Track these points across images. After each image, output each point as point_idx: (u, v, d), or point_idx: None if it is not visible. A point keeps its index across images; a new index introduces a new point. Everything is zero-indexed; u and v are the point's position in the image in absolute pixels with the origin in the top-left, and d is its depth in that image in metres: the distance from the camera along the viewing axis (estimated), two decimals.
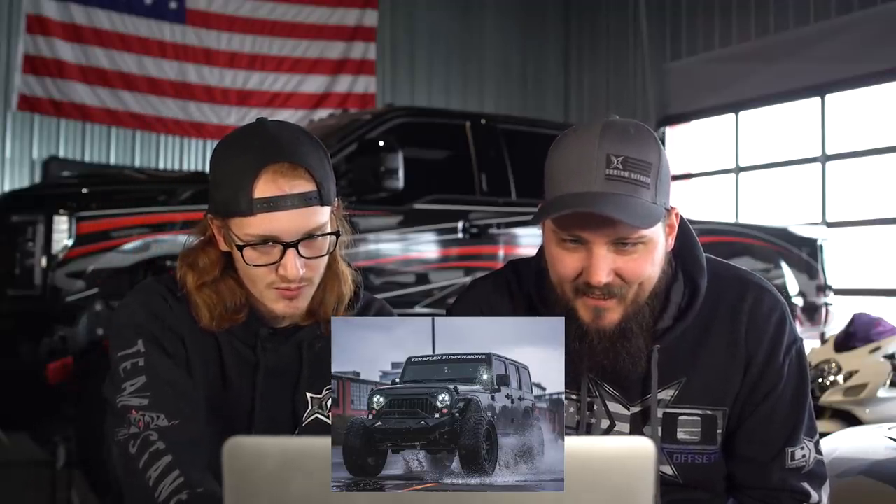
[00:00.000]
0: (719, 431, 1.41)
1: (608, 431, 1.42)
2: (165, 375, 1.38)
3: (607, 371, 1.38)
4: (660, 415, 1.40)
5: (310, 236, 1.35)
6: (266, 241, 1.33)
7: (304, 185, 1.34)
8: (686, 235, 1.44)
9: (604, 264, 1.28)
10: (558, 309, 1.35)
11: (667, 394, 1.40)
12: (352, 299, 1.50)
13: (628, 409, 1.42)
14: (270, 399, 1.46)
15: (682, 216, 1.42)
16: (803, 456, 1.41)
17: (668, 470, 1.41)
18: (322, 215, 1.37)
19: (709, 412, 1.40)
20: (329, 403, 1.48)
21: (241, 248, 1.35)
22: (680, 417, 1.40)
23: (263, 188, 1.31)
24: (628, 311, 1.33)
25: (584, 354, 1.34)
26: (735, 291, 1.43)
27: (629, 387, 1.41)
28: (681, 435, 1.40)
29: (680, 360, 1.40)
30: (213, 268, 1.42)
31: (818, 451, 1.44)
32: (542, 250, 1.44)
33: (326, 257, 1.40)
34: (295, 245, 1.34)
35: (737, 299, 1.42)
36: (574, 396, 1.42)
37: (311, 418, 1.48)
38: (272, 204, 1.31)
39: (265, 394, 1.45)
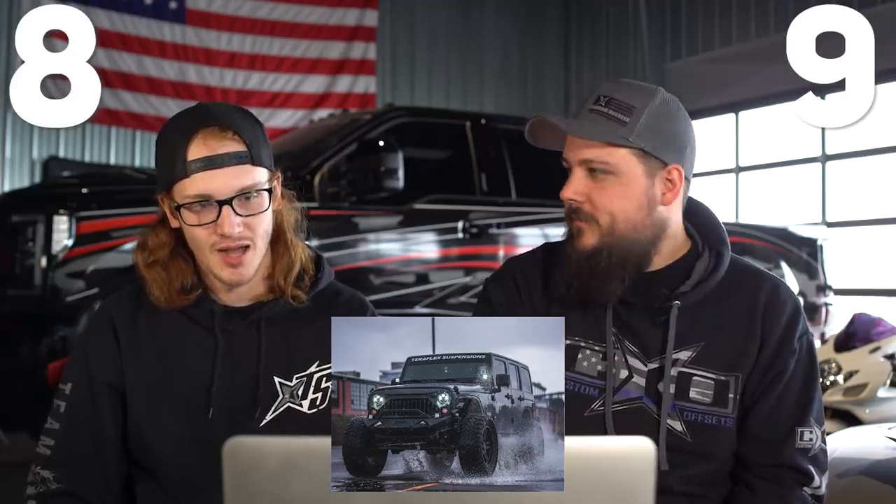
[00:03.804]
0: (731, 396, 1.48)
1: (625, 382, 1.50)
2: (78, 430, 1.49)
3: (630, 326, 1.50)
4: (675, 373, 1.48)
5: (244, 194, 1.42)
6: (202, 200, 1.41)
7: (234, 146, 1.42)
8: (709, 216, 1.59)
9: (574, 183, 1.46)
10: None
11: (684, 354, 1.48)
12: (312, 277, 1.56)
13: (646, 365, 1.50)
14: (229, 382, 1.49)
15: (698, 201, 1.57)
16: (811, 439, 1.48)
17: (678, 426, 1.47)
18: (254, 175, 1.44)
19: (722, 378, 1.48)
20: (301, 392, 1.51)
21: (179, 209, 1.43)
22: (694, 378, 1.48)
23: (195, 151, 1.41)
24: (604, 241, 1.46)
25: (566, 271, 1.48)
26: (754, 280, 1.54)
27: (649, 344, 1.50)
28: (693, 394, 1.48)
29: (700, 327, 1.49)
30: (163, 247, 1.50)
31: (824, 441, 1.51)
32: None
33: (264, 218, 1.46)
34: (229, 202, 1.41)
35: (756, 286, 1.53)
36: (597, 348, 1.51)
37: (283, 407, 1.50)
38: (205, 163, 1.40)
39: (224, 375, 1.49)
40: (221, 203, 1.41)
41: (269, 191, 1.47)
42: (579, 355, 1.51)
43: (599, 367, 1.50)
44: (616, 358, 1.50)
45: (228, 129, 1.43)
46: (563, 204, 1.52)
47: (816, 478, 1.47)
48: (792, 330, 1.49)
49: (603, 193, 1.44)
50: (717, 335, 1.49)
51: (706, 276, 1.50)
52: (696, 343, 1.48)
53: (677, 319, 1.48)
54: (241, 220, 1.42)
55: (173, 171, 1.42)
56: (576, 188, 1.45)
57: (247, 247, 1.45)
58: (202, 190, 1.41)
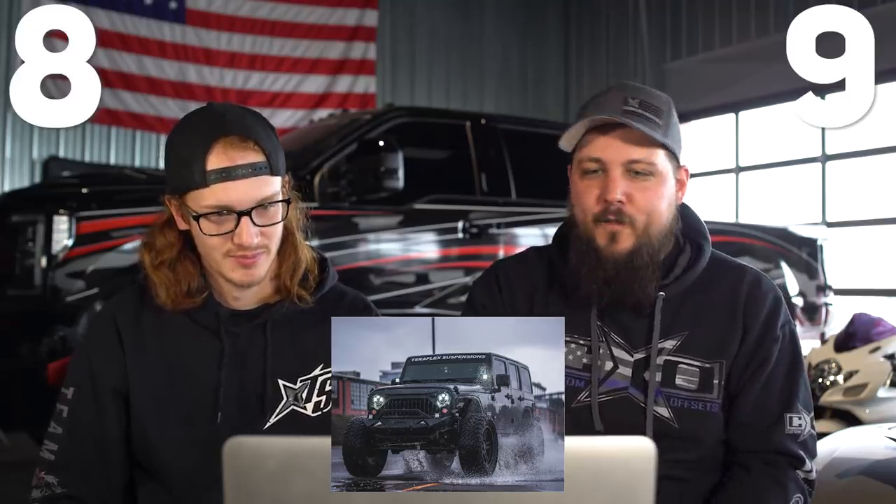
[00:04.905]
0: (716, 382, 1.51)
1: (611, 373, 1.53)
2: (81, 434, 1.48)
3: (614, 317, 1.53)
4: (661, 361, 1.51)
5: (262, 205, 1.41)
6: (221, 210, 1.40)
7: (254, 156, 1.41)
8: (690, 214, 1.63)
9: (619, 183, 1.46)
10: (579, 243, 1.51)
11: (669, 343, 1.52)
12: (316, 279, 1.55)
13: (632, 356, 1.53)
14: (236, 385, 1.48)
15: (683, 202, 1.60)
16: (800, 424, 1.51)
17: (665, 412, 1.50)
18: (272, 185, 1.43)
19: (707, 365, 1.52)
20: (305, 395, 1.51)
21: (197, 219, 1.41)
22: (679, 365, 1.52)
23: (215, 160, 1.39)
24: (640, 242, 1.48)
25: (599, 276, 1.49)
26: (736, 273, 1.58)
27: (634, 335, 1.53)
28: (679, 381, 1.51)
29: (683, 316, 1.53)
30: (171, 248, 1.48)
31: (812, 427, 1.53)
32: (558, 229, 1.63)
33: (280, 225, 1.46)
34: (248, 213, 1.40)
35: (737, 278, 1.57)
36: (582, 341, 1.53)
37: (287, 410, 1.50)
38: (225, 174, 1.38)
39: (230, 378, 1.48)
40: (240, 214, 1.40)
41: (287, 201, 1.46)
42: (565, 349, 1.52)
43: (585, 360, 1.53)
44: (601, 350, 1.53)
45: (249, 140, 1.41)
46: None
47: (808, 462, 1.50)
48: (774, 319, 1.53)
49: (645, 194, 1.47)
50: (701, 324, 1.52)
51: (688, 267, 1.55)
52: (680, 332, 1.52)
53: (661, 310, 1.51)
54: (258, 229, 1.41)
55: (190, 179, 1.39)
56: (622, 189, 1.46)
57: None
58: (222, 201, 1.39)
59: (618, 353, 1.53)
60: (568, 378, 1.51)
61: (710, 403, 1.50)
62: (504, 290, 1.61)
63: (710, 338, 1.52)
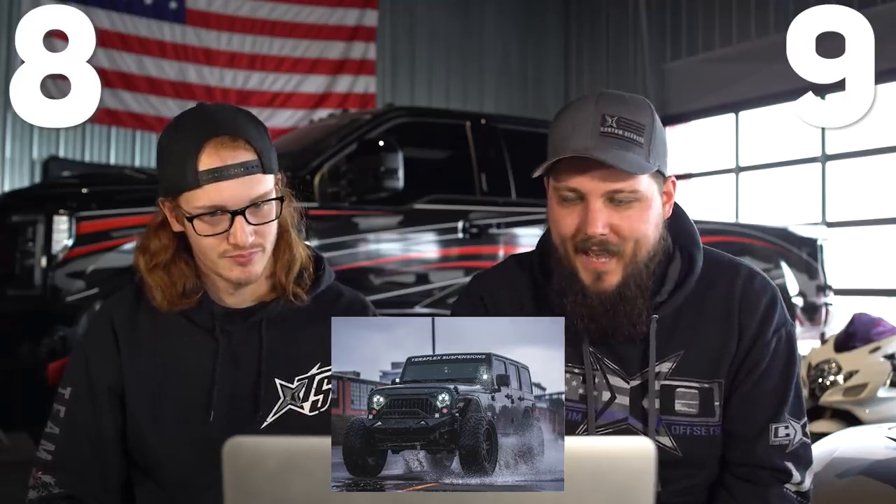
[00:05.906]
0: (716, 404, 1.44)
1: (609, 404, 1.45)
2: (78, 434, 1.49)
3: (607, 343, 1.44)
4: (657, 387, 1.44)
5: (255, 204, 1.42)
6: (214, 211, 1.40)
7: (245, 155, 1.41)
8: (680, 216, 1.52)
9: (599, 216, 1.35)
10: (561, 270, 1.42)
11: (665, 366, 1.44)
12: (311, 276, 1.55)
13: (628, 383, 1.45)
14: (230, 383, 1.48)
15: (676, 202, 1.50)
16: (787, 435, 1.44)
17: (667, 441, 1.44)
18: (265, 183, 1.43)
19: (706, 385, 1.44)
20: (302, 394, 1.51)
21: (191, 220, 1.41)
22: (677, 390, 1.44)
23: (207, 161, 1.39)
24: (627, 273, 1.39)
25: (584, 313, 1.40)
26: (729, 273, 1.49)
27: (629, 360, 1.45)
28: (679, 407, 1.44)
29: (677, 335, 1.45)
30: (165, 250, 1.49)
31: (805, 434, 1.46)
32: (542, 237, 1.53)
33: (274, 223, 1.46)
34: (242, 212, 1.40)
35: (730, 279, 1.48)
36: (576, 370, 1.46)
37: (284, 409, 1.50)
38: (217, 174, 1.39)
39: (224, 377, 1.48)
40: (234, 213, 1.40)
41: (281, 199, 1.46)
42: None
43: (581, 391, 1.46)
44: (597, 380, 1.45)
45: (239, 139, 1.41)
46: None
47: (796, 474, 1.43)
48: (767, 322, 1.45)
49: (629, 222, 1.36)
50: (697, 341, 1.44)
51: (681, 282, 1.46)
52: (675, 353, 1.44)
53: (655, 331, 1.43)
54: (252, 228, 1.42)
55: (183, 180, 1.39)
56: (604, 221, 1.35)
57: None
58: (215, 201, 1.39)
59: (614, 380, 1.45)
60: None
61: (714, 427, 1.44)
62: (490, 307, 1.54)
63: (707, 354, 1.44)
